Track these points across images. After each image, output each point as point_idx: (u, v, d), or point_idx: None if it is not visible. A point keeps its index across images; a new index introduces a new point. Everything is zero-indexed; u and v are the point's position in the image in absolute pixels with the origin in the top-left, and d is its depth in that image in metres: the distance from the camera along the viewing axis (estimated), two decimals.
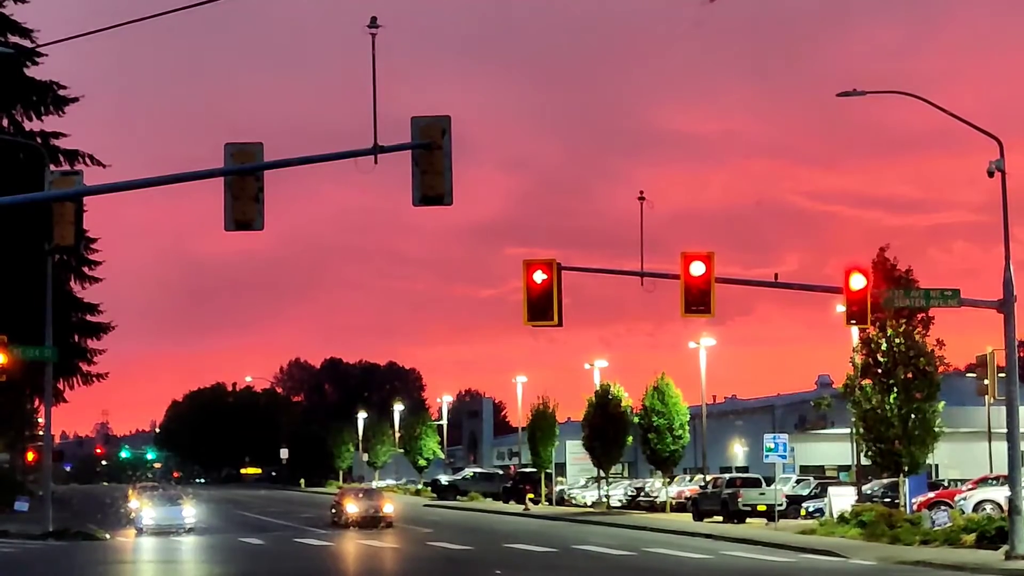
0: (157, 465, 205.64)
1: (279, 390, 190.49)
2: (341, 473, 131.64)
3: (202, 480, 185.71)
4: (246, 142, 24.27)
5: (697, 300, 32.80)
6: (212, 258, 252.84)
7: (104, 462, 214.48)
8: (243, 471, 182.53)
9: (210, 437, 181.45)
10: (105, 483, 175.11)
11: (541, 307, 32.74)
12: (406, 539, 45.72)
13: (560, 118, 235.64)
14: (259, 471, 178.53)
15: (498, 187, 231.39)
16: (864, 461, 46.90)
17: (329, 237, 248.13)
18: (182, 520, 50.39)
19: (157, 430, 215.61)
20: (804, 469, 70.82)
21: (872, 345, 42.26)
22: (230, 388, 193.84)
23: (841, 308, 37.98)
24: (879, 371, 41.90)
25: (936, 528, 38.68)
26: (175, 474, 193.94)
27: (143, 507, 52.27)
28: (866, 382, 42.57)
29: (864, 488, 49.66)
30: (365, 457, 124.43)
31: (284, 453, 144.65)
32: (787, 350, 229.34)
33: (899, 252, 42.39)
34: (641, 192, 38.71)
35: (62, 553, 39.09)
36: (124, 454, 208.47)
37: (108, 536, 47.57)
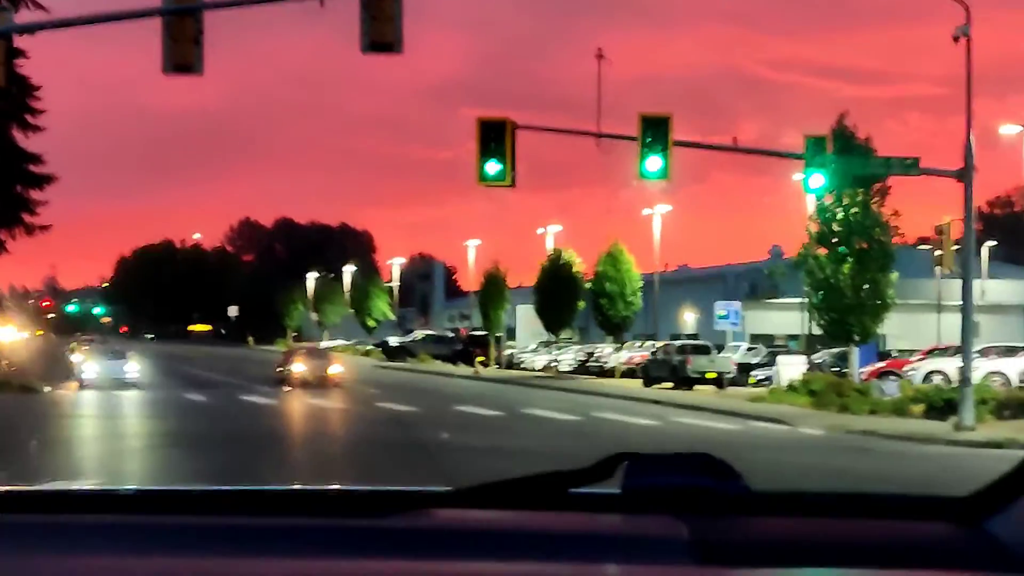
0: (106, 320, 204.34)
1: (229, 248, 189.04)
2: (290, 332, 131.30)
3: (151, 336, 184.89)
4: None
5: (653, 163, 32.05)
6: (163, 112, 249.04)
7: (51, 316, 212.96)
8: (191, 328, 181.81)
9: (159, 293, 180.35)
10: (52, 336, 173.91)
11: (494, 167, 31.88)
12: (353, 400, 45.30)
13: None
14: (208, 328, 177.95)
15: (455, 47, 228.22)
16: (815, 331, 46.74)
17: (283, 94, 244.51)
18: (124, 374, 49.72)
19: (106, 285, 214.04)
20: (754, 338, 71.04)
21: (828, 214, 41.75)
22: (179, 245, 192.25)
23: (798, 176, 37.36)
24: (834, 240, 41.46)
25: (885, 398, 38.63)
26: (123, 329, 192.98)
27: (86, 360, 51.57)
28: (820, 251, 42.15)
29: (814, 357, 49.67)
30: (315, 317, 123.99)
31: (233, 311, 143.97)
32: (741, 220, 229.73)
33: (856, 122, 41.61)
34: (600, 50, 37.52)
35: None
36: (71, 308, 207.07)
37: (48, 389, 46.86)
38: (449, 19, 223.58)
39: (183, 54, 22.94)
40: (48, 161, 69.83)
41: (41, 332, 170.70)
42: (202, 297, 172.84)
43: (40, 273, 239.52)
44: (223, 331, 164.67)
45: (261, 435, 31.20)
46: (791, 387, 43.82)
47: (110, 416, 35.95)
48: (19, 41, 58.06)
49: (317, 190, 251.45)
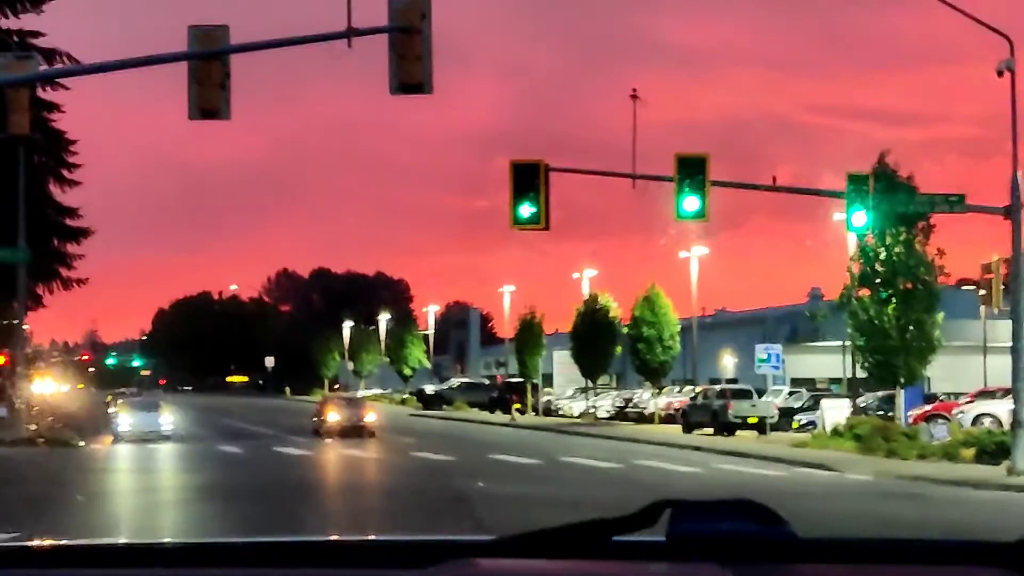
0: (145, 372, 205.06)
1: (267, 300, 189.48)
2: (327, 382, 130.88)
3: (188, 388, 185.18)
4: (211, 25, 22.65)
5: (690, 203, 31.51)
6: (199, 165, 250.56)
7: (91, 369, 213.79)
8: (229, 379, 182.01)
9: (197, 345, 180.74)
10: (92, 389, 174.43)
11: (528, 209, 31.38)
12: (388, 449, 44.61)
13: (557, 26, 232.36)
14: (246, 379, 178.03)
15: (491, 95, 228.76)
16: (860, 373, 45.74)
17: (318, 145, 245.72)
18: (159, 427, 49.27)
19: (144, 338, 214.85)
20: (795, 382, 70.00)
21: (871, 254, 40.91)
22: (216, 297, 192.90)
23: (839, 216, 36.62)
24: (877, 281, 40.59)
25: (934, 442, 37.61)
26: (161, 381, 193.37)
27: (120, 414, 51.18)
28: (863, 292, 41.27)
29: (858, 401, 48.63)
30: (351, 366, 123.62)
31: (269, 361, 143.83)
32: (780, 264, 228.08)
33: (896, 162, 40.85)
34: (634, 90, 37.00)
35: (34, 460, 37.94)
36: (110, 361, 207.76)
37: (83, 443, 46.46)
38: (484, 67, 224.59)
39: (209, 99, 22.52)
40: (85, 214, 70.05)
41: (82, 385, 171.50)
42: (239, 348, 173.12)
43: (81, 327, 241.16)
44: (260, 382, 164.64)
45: (296, 487, 30.50)
46: (836, 431, 42.80)
47: (143, 470, 35.41)
48: (55, 95, 58.30)
49: (353, 239, 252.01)
